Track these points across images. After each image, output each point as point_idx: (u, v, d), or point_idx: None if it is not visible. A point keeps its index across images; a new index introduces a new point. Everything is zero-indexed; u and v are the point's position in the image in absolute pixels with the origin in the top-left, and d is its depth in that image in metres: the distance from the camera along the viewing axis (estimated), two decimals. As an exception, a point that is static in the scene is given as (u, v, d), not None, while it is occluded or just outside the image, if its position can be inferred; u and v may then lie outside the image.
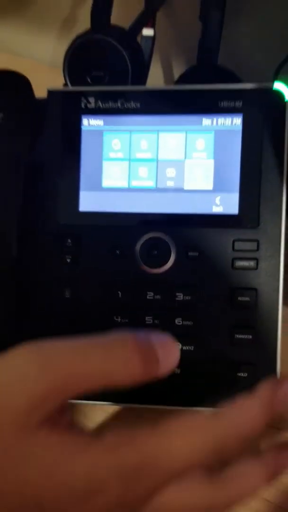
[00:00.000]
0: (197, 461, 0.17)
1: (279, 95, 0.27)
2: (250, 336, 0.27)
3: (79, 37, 0.33)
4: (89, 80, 0.34)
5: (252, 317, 0.27)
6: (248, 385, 0.19)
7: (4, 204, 0.27)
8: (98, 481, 0.16)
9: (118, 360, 0.18)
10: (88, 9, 0.43)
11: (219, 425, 0.18)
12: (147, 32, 0.37)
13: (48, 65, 0.52)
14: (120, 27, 0.34)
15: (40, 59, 0.56)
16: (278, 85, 0.27)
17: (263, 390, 0.19)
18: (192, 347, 0.27)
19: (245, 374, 0.27)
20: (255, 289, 0.27)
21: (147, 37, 0.37)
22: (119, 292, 0.28)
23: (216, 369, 0.27)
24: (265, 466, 0.19)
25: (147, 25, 0.37)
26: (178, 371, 0.27)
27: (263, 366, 0.27)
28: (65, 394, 0.18)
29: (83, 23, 0.45)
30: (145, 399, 0.27)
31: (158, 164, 0.29)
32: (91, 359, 0.18)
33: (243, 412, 0.18)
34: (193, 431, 0.18)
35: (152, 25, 0.38)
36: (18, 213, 0.27)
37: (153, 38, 0.38)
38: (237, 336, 0.27)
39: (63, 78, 0.34)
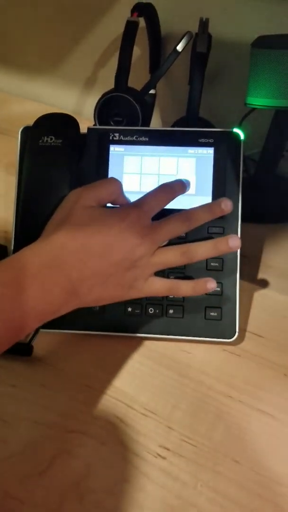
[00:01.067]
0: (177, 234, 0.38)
1: (237, 135, 0.43)
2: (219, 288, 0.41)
3: (106, 94, 0.49)
4: (111, 122, 0.49)
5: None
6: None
7: (54, 207, 0.41)
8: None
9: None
10: (104, 71, 0.60)
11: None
12: (151, 91, 0.53)
13: (71, 113, 0.68)
14: (134, 89, 0.50)
15: (64, 107, 0.73)
16: (236, 130, 0.43)
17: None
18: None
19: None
20: (221, 259, 0.42)
21: (151, 95, 0.53)
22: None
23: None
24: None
25: (151, 87, 0.54)
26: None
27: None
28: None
29: (101, 82, 0.62)
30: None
31: (159, 177, 0.43)
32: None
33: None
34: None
35: (154, 87, 0.54)
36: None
37: (155, 95, 0.54)
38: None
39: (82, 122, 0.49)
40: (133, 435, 0.37)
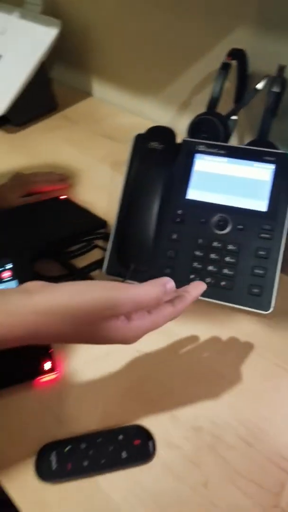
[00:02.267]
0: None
1: (293, 157, 0.56)
2: (263, 271, 0.54)
3: (199, 115, 0.64)
4: (199, 138, 0.64)
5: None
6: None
7: (153, 193, 0.56)
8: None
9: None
10: (198, 98, 0.75)
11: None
12: (234, 117, 0.68)
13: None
14: (221, 114, 0.65)
15: (161, 123, 0.89)
16: (293, 153, 0.56)
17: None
18: (232, 272, 0.55)
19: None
20: (268, 248, 0.55)
21: (233, 120, 0.68)
22: (199, 239, 0.56)
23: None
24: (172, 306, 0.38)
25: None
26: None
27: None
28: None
29: (194, 106, 0.77)
30: None
31: (230, 178, 0.58)
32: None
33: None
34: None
35: (236, 114, 0.68)
36: (160, 197, 0.57)
37: (236, 121, 0.69)
38: (256, 271, 0.54)
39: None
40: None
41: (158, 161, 0.56)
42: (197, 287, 0.41)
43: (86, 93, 1.05)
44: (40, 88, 0.93)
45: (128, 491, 0.40)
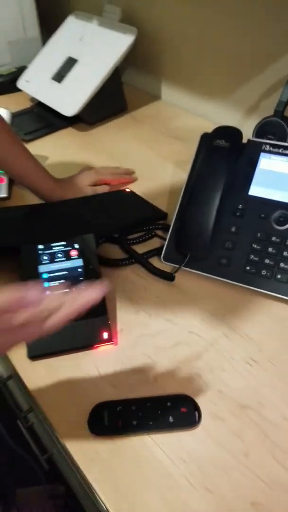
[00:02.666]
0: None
1: None
2: None
3: (266, 118, 0.67)
4: (265, 139, 0.67)
5: None
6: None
7: (215, 187, 0.60)
8: None
9: None
10: (265, 102, 0.78)
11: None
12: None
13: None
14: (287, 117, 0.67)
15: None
16: None
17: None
18: None
19: None
20: None
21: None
22: (258, 233, 0.58)
23: None
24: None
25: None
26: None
27: None
28: None
29: (261, 110, 0.80)
30: None
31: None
32: None
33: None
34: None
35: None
36: (221, 191, 0.60)
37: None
38: None
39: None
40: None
41: (223, 157, 0.60)
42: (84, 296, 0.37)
43: (154, 96, 1.11)
44: (113, 91, 1.00)
45: (171, 451, 0.43)
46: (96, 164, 0.84)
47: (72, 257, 0.59)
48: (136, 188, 0.77)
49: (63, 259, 0.59)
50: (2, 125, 0.66)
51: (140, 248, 0.66)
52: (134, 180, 0.81)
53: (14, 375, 0.67)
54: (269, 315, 0.56)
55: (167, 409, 0.45)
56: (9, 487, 0.98)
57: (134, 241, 0.67)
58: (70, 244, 0.60)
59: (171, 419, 0.44)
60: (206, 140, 0.62)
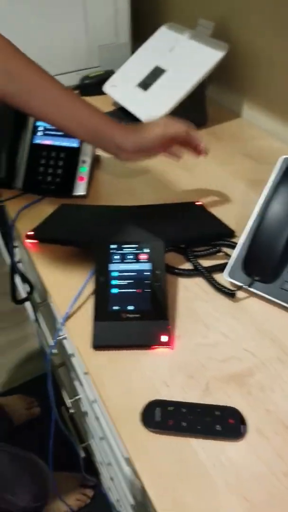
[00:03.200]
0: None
1: None
2: None
3: None
4: None
5: None
6: None
7: None
8: None
9: None
10: None
11: None
12: None
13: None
14: None
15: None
16: None
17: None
18: None
19: None
20: None
21: None
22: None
23: None
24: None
25: None
26: None
27: None
28: None
29: None
30: None
31: None
32: None
33: None
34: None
35: None
36: None
37: None
38: None
39: None
40: None
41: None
42: None
43: (236, 114, 1.13)
44: (196, 104, 1.03)
45: (214, 457, 0.46)
46: (168, 175, 0.88)
47: (141, 260, 0.64)
48: (206, 201, 0.81)
49: (133, 260, 0.64)
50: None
51: (204, 261, 0.69)
52: (205, 153, 0.76)
53: (67, 362, 0.72)
54: None
55: (215, 417, 0.48)
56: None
57: (199, 254, 0.71)
58: (140, 248, 0.65)
59: (218, 427, 0.48)
60: None
